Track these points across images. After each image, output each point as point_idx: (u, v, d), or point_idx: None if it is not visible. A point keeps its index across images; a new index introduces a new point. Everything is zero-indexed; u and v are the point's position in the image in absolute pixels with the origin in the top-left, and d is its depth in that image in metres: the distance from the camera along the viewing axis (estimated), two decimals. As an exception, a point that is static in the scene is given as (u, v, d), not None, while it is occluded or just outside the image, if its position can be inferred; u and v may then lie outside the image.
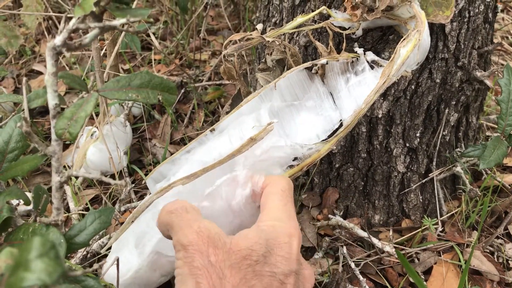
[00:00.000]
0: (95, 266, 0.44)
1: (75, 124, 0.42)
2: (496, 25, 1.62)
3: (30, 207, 0.91)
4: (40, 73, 1.62)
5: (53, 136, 0.43)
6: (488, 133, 1.18)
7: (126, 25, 0.40)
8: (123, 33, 1.14)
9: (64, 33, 0.40)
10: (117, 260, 0.58)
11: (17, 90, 1.55)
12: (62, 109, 0.43)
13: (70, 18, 0.42)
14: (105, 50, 1.20)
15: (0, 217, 0.48)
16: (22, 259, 0.26)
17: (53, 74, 0.41)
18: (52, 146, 0.44)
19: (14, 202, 0.55)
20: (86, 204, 1.02)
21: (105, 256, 0.88)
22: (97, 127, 1.09)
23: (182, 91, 1.42)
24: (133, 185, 1.02)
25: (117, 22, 0.39)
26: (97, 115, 1.13)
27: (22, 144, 0.50)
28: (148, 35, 1.64)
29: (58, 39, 0.40)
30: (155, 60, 1.61)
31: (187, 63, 1.61)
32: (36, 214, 0.52)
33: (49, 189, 0.64)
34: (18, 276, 0.25)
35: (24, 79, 0.42)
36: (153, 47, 1.64)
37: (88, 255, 0.88)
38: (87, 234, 0.49)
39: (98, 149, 1.05)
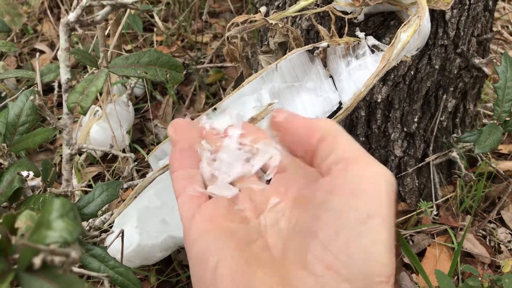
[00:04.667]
0: (103, 235, 0.46)
1: (87, 98, 0.43)
2: (496, 14, 1.63)
3: (35, 182, 0.94)
4: (42, 52, 1.62)
5: (65, 110, 0.45)
6: (485, 121, 1.20)
7: (136, 3, 0.42)
8: (127, 13, 1.15)
9: (77, 10, 0.41)
10: (122, 232, 0.60)
11: (19, 68, 1.55)
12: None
13: (83, -5, 0.43)
14: (108, 30, 1.21)
15: (11, 188, 0.50)
16: (44, 219, 0.28)
17: (66, 50, 0.43)
18: (63, 119, 0.45)
19: (24, 173, 0.57)
20: (89, 181, 1.04)
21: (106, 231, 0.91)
22: (100, 106, 1.11)
23: (184, 72, 1.43)
24: (135, 163, 1.03)
25: None
26: (100, 94, 1.15)
27: (32, 117, 0.52)
28: (152, 16, 1.64)
29: (72, 16, 0.42)
30: (157, 41, 1.61)
31: (189, 45, 1.61)
32: (45, 185, 0.54)
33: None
34: (41, 234, 0.27)
35: (38, 54, 0.43)
36: (155, 29, 1.64)
37: (91, 231, 0.90)
38: (95, 206, 0.51)
39: (101, 127, 1.07)
